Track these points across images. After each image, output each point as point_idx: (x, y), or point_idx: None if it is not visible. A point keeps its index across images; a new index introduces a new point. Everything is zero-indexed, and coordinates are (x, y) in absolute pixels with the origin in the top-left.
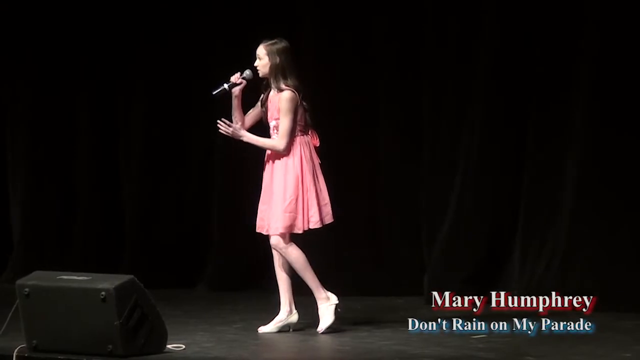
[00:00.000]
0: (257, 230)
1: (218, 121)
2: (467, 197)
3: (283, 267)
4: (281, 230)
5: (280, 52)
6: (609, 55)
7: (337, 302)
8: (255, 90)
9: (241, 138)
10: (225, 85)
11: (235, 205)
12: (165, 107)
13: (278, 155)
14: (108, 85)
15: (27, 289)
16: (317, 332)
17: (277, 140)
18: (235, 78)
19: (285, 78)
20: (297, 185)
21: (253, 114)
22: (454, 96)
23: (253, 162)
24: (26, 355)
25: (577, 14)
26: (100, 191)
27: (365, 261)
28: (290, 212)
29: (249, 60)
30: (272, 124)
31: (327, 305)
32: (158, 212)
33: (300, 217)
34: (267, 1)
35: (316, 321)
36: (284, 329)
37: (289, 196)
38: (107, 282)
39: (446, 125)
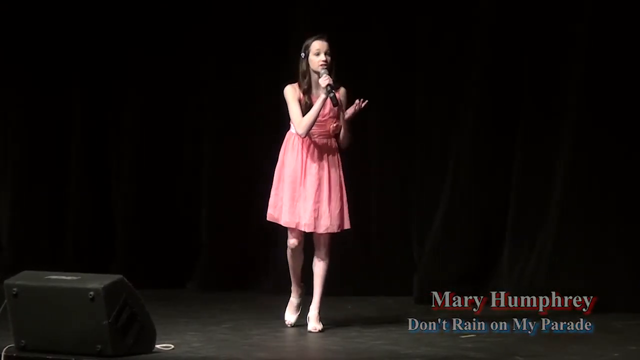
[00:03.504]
0: (309, 230)
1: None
2: (458, 197)
3: (301, 262)
4: (349, 225)
5: None
6: (599, 58)
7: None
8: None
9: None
10: (333, 90)
11: (225, 205)
12: (156, 108)
13: (332, 150)
14: (99, 86)
15: (15, 289)
16: (311, 331)
17: None
18: (330, 80)
19: None
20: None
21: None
22: (446, 96)
23: (244, 162)
24: (15, 355)
25: (570, 16)
26: (90, 191)
27: (356, 261)
28: (347, 208)
29: (244, 62)
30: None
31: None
32: (148, 212)
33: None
34: (261, 5)
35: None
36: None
37: (345, 193)
38: (95, 282)
39: (438, 125)
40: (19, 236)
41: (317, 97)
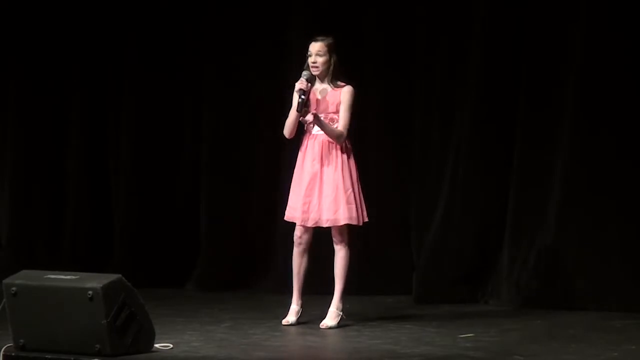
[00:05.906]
0: (301, 223)
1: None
2: (458, 197)
3: (304, 265)
4: (346, 221)
5: (335, 49)
6: (595, 60)
7: (344, 317)
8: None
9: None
10: (303, 97)
11: (225, 205)
12: (155, 109)
13: (332, 147)
14: (98, 86)
15: (14, 288)
16: (319, 327)
17: (341, 130)
18: (304, 85)
19: (341, 74)
20: (353, 179)
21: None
22: (444, 97)
23: (244, 163)
24: (13, 354)
25: (565, 20)
26: (89, 191)
27: (355, 260)
28: (350, 204)
29: (243, 62)
30: (320, 116)
31: (338, 312)
32: (148, 212)
33: (359, 210)
34: (259, 8)
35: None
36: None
37: (348, 188)
38: (94, 281)
39: (438, 126)
40: (18, 235)
41: (314, 93)
